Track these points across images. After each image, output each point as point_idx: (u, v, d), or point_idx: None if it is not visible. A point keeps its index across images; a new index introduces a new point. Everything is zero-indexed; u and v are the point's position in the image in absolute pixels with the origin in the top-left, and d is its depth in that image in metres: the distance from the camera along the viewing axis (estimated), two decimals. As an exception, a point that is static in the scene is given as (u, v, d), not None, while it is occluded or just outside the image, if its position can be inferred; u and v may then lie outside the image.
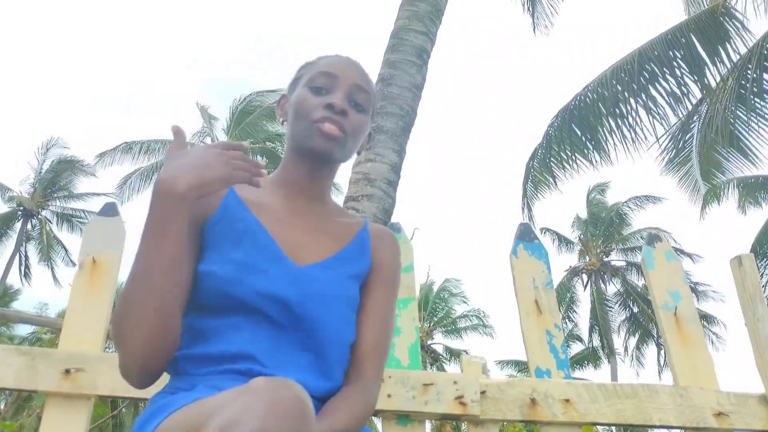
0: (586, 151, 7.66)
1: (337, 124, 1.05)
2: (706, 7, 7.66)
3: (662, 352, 21.98)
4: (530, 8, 8.57)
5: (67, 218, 22.01)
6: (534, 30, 8.63)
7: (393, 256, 1.14)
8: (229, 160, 0.91)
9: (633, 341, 22.66)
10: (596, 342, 22.98)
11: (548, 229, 23.34)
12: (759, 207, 12.76)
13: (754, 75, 6.78)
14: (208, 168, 0.88)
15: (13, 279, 23.56)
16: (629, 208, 22.82)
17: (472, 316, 23.36)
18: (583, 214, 23.82)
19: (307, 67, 1.17)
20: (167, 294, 0.88)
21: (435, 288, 23.60)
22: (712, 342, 21.31)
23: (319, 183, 1.12)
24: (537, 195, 8.24)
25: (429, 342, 22.53)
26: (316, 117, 1.06)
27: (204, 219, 1.04)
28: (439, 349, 23.21)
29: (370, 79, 1.16)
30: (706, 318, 21.14)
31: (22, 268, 22.08)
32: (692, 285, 20.92)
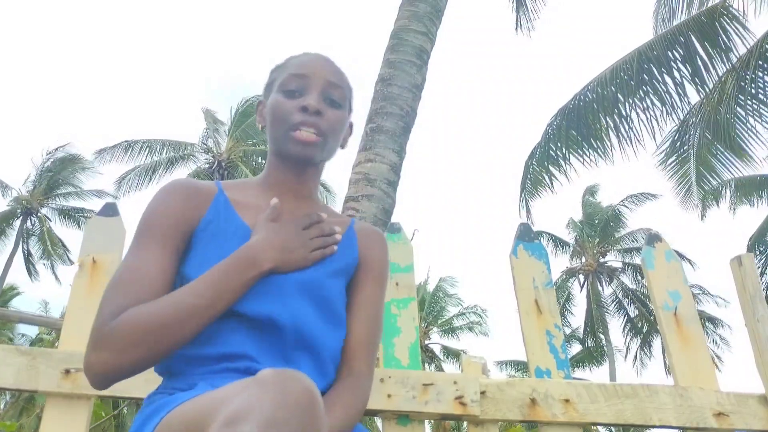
0: (584, 150, 7.67)
1: (313, 126, 1.06)
2: (671, 26, 7.67)
3: (651, 350, 22.01)
4: (515, 7, 8.55)
5: (67, 215, 21.98)
6: (516, 28, 8.60)
7: (381, 252, 1.15)
8: (307, 241, 1.03)
9: (628, 340, 22.69)
10: (591, 342, 23.01)
11: (544, 232, 23.38)
12: (753, 206, 12.77)
13: (753, 75, 6.78)
14: (291, 253, 1.00)
15: (12, 277, 23.58)
16: (626, 207, 22.85)
17: (469, 313, 23.38)
18: (578, 217, 23.88)
19: (278, 70, 1.17)
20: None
21: (431, 287, 23.62)
22: (717, 344, 21.36)
23: (306, 183, 1.13)
24: (535, 194, 8.24)
25: (426, 342, 22.55)
26: (291, 122, 1.07)
27: (195, 221, 1.04)
28: (436, 349, 23.23)
29: (343, 72, 1.16)
30: (712, 320, 21.17)
31: (29, 266, 22.09)
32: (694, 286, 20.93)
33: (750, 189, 12.75)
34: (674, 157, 8.95)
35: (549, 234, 23.61)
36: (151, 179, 17.99)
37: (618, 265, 23.22)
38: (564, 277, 23.35)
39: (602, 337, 22.58)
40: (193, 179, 1.11)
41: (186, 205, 1.04)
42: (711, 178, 9.04)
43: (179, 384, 0.95)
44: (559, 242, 23.72)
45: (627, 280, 22.86)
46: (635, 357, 22.52)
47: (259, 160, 18.19)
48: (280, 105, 1.09)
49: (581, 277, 23.42)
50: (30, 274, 22.18)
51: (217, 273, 0.94)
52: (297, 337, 0.99)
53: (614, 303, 22.94)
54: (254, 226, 1.04)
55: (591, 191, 23.74)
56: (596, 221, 23.25)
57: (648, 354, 22.26)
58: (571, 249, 23.64)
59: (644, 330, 22.08)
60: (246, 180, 1.17)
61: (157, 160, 18.18)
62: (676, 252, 1.63)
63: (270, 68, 1.21)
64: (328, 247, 1.05)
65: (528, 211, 8.25)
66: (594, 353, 23.24)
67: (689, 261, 21.22)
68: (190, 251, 1.02)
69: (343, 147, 1.20)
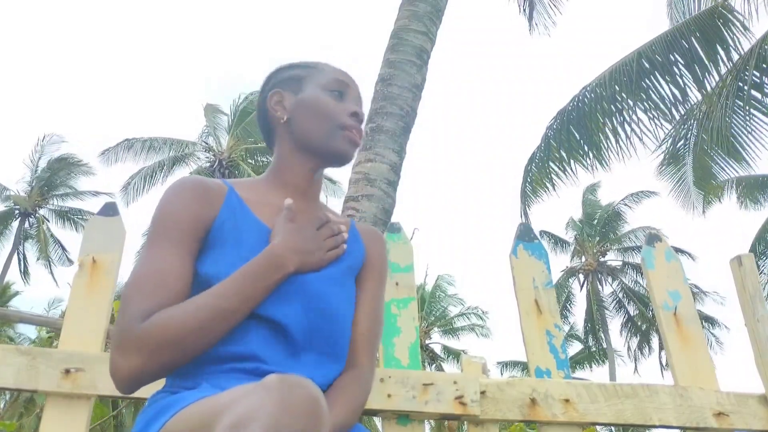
0: (583, 153, 7.67)
1: (360, 133, 1.14)
2: (689, 17, 7.66)
3: (650, 349, 21.97)
4: (526, 9, 8.59)
5: (65, 216, 21.93)
6: (530, 31, 8.64)
7: (381, 251, 1.18)
8: (321, 242, 1.05)
9: (628, 339, 22.67)
10: (592, 342, 22.99)
11: (546, 232, 23.36)
12: (760, 206, 12.77)
13: (753, 76, 6.77)
14: (310, 255, 1.02)
15: (13, 278, 23.56)
16: (626, 206, 22.82)
17: (470, 314, 23.35)
18: (577, 215, 23.86)
19: (307, 68, 1.19)
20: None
21: (429, 287, 23.59)
22: (713, 345, 21.32)
23: (316, 185, 1.16)
24: (535, 198, 8.26)
25: (426, 342, 22.53)
26: (342, 122, 1.12)
27: (210, 220, 1.04)
28: (437, 348, 23.21)
29: None
30: (708, 320, 21.13)
31: (22, 267, 22.07)
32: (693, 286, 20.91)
33: (753, 189, 12.75)
34: (673, 158, 8.96)
35: (550, 234, 23.60)
36: (154, 179, 17.95)
37: (618, 264, 23.21)
38: (564, 276, 23.34)
39: (602, 336, 22.57)
40: (202, 177, 1.10)
41: (199, 204, 1.03)
42: (711, 180, 9.04)
43: (185, 383, 0.95)
44: (559, 241, 23.71)
45: (627, 279, 22.85)
46: (635, 357, 22.52)
47: (265, 157, 18.09)
48: (328, 103, 1.13)
49: (581, 276, 23.41)
50: (25, 275, 22.15)
51: (243, 276, 0.95)
52: (307, 338, 1.00)
53: (614, 302, 22.94)
54: (272, 226, 1.05)
55: (591, 189, 23.70)
56: (596, 221, 23.24)
57: (646, 353, 22.27)
58: (571, 248, 23.63)
59: (643, 329, 22.07)
60: (252, 179, 1.17)
61: (161, 159, 18.15)
62: (675, 247, 1.63)
63: (285, 63, 1.23)
64: (339, 246, 1.08)
65: (527, 216, 8.25)
66: (594, 353, 23.23)
67: (689, 254, 21.12)
68: (207, 251, 1.02)
69: None
